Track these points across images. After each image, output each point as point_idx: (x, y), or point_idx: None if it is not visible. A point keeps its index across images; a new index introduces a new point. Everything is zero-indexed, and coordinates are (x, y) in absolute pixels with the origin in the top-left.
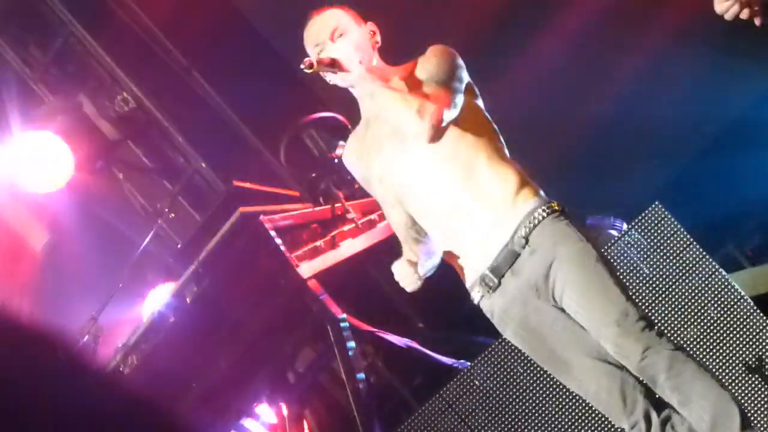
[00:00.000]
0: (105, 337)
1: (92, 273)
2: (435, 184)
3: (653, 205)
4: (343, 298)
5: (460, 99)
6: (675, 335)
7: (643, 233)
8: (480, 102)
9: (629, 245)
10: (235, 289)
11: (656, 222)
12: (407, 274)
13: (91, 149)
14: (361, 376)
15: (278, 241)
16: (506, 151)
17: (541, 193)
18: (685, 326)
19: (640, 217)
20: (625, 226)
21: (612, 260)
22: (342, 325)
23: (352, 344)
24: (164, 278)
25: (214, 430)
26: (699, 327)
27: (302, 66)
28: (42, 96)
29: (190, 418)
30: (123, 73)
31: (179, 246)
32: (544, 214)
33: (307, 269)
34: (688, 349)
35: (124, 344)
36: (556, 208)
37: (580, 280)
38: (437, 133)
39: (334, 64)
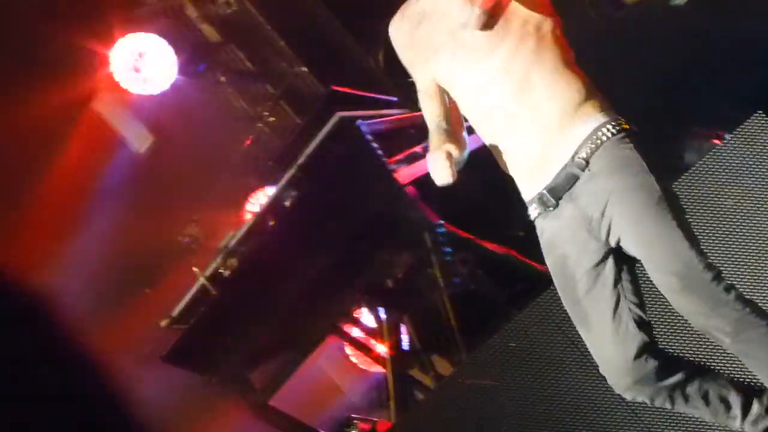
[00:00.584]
0: (206, 239)
1: (194, 175)
2: (489, 96)
3: (755, 114)
4: (441, 204)
5: None
6: None
7: (744, 143)
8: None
9: (730, 154)
10: (333, 194)
11: (758, 131)
12: (441, 167)
13: (193, 52)
14: (457, 281)
15: (375, 145)
16: (572, 55)
17: (612, 110)
18: None
19: (741, 127)
20: (727, 137)
21: (704, 176)
22: (439, 231)
23: (448, 250)
24: (264, 182)
25: (314, 334)
26: None
27: None
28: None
29: (289, 322)
30: None
31: (279, 149)
32: (609, 134)
33: (404, 175)
34: None
35: (224, 246)
36: (625, 126)
37: (637, 219)
38: (487, 21)
39: None
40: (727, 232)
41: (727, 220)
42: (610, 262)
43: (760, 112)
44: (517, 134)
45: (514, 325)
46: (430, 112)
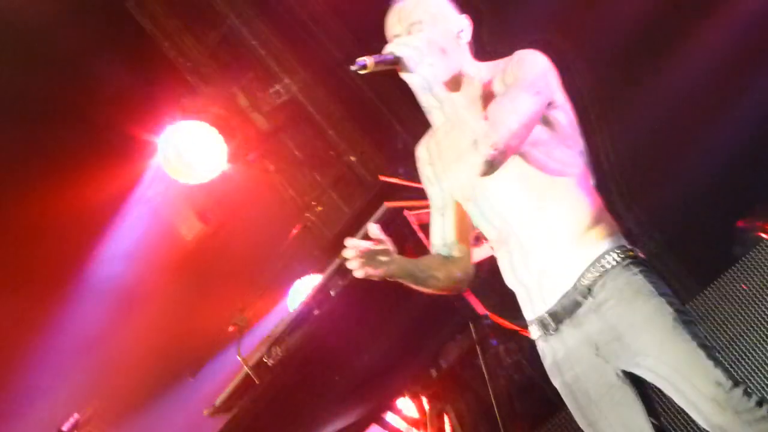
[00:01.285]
0: (251, 327)
1: (241, 263)
2: (503, 208)
3: None
4: (486, 295)
5: (530, 123)
6: None
7: None
8: (569, 117)
9: None
10: (380, 284)
11: None
12: (360, 266)
13: (243, 141)
14: (503, 373)
15: (422, 236)
16: (590, 181)
17: (618, 235)
18: None
19: None
20: None
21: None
22: (485, 322)
23: (494, 342)
24: (311, 270)
25: (356, 423)
26: None
27: (353, 67)
28: (196, 86)
29: (333, 412)
30: (277, 65)
31: (326, 238)
32: (614, 262)
33: None
34: None
35: (269, 335)
36: (630, 253)
37: (655, 346)
38: (492, 167)
39: (397, 63)
40: None
41: None
42: (624, 382)
43: None
44: (524, 252)
45: (560, 419)
46: (435, 227)
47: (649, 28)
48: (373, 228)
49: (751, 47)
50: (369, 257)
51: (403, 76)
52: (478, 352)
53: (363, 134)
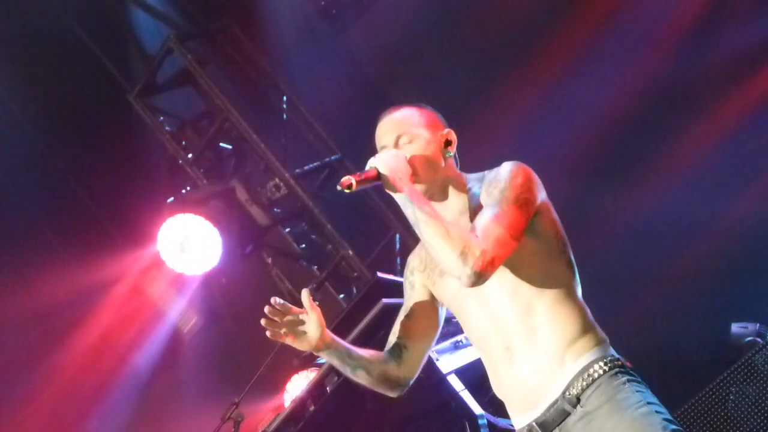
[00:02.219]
0: (246, 422)
1: (236, 356)
2: (489, 318)
3: None
4: (482, 394)
5: (517, 234)
6: None
7: None
8: (555, 227)
9: None
10: None
11: None
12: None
13: (241, 233)
14: None
15: None
16: (578, 290)
17: (605, 345)
18: None
19: None
20: None
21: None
22: (480, 422)
23: None
24: (306, 366)
25: None
26: None
27: (339, 187)
28: (195, 179)
29: None
30: (276, 159)
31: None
32: (601, 371)
33: (446, 364)
34: None
35: (264, 431)
36: (618, 363)
37: None
38: (479, 280)
39: (379, 179)
40: None
41: None
42: None
43: None
44: (512, 363)
45: None
46: (397, 328)
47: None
48: (305, 294)
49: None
50: (291, 324)
51: (387, 191)
52: None
53: (360, 228)
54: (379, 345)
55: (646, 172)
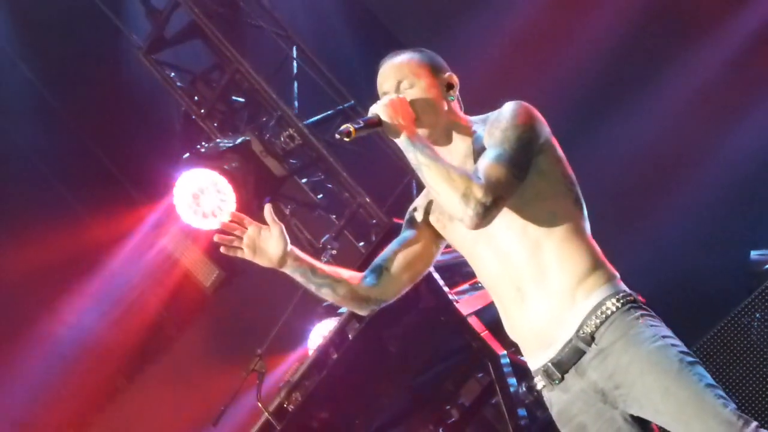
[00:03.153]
0: (271, 373)
1: (259, 309)
2: (499, 260)
3: None
4: (504, 334)
5: (519, 174)
6: None
7: None
8: (561, 165)
9: None
10: (397, 326)
11: None
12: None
13: (258, 185)
14: (523, 412)
15: (437, 276)
16: (586, 227)
17: (616, 281)
18: None
19: None
20: None
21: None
22: (503, 361)
23: (513, 381)
24: (328, 314)
25: None
26: None
27: (337, 135)
28: (209, 132)
29: None
30: (289, 109)
31: None
32: (614, 308)
33: (466, 306)
34: None
35: (288, 381)
36: (630, 298)
37: (662, 389)
38: (482, 221)
39: (380, 125)
40: None
41: None
42: (633, 426)
43: None
44: (524, 304)
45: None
46: (385, 252)
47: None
48: (267, 209)
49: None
50: (251, 238)
51: (390, 137)
52: (497, 391)
53: (376, 174)
54: None
55: (658, 100)
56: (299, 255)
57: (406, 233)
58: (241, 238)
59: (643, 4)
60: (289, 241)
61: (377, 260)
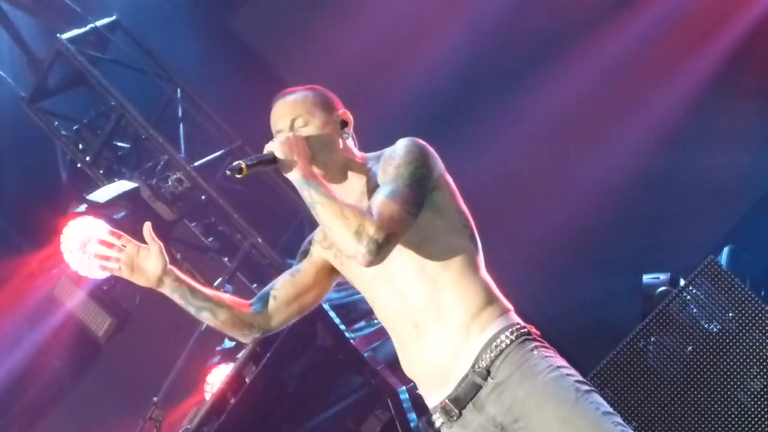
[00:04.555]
0: (167, 421)
1: (154, 356)
2: (397, 297)
3: (707, 260)
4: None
5: (413, 211)
6: (740, 389)
7: (699, 289)
8: (455, 201)
9: (686, 301)
10: (294, 366)
11: (712, 277)
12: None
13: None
14: None
15: (333, 315)
16: (481, 261)
17: (510, 314)
18: (750, 380)
19: (694, 273)
20: (682, 283)
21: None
22: (402, 397)
23: (413, 416)
24: (225, 359)
25: None
26: (763, 379)
27: (228, 171)
28: (96, 180)
29: None
30: (176, 153)
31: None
32: (508, 341)
33: (363, 343)
34: (752, 404)
35: (186, 428)
36: (524, 331)
37: (560, 419)
38: (375, 258)
39: (274, 163)
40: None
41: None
42: None
43: (711, 257)
44: (421, 341)
45: None
46: (275, 282)
47: None
48: (146, 227)
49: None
50: (128, 257)
51: (285, 174)
52: (398, 426)
53: (267, 215)
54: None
55: (545, 128)
56: (178, 275)
57: (300, 265)
58: (118, 258)
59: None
60: (168, 260)
61: (266, 288)
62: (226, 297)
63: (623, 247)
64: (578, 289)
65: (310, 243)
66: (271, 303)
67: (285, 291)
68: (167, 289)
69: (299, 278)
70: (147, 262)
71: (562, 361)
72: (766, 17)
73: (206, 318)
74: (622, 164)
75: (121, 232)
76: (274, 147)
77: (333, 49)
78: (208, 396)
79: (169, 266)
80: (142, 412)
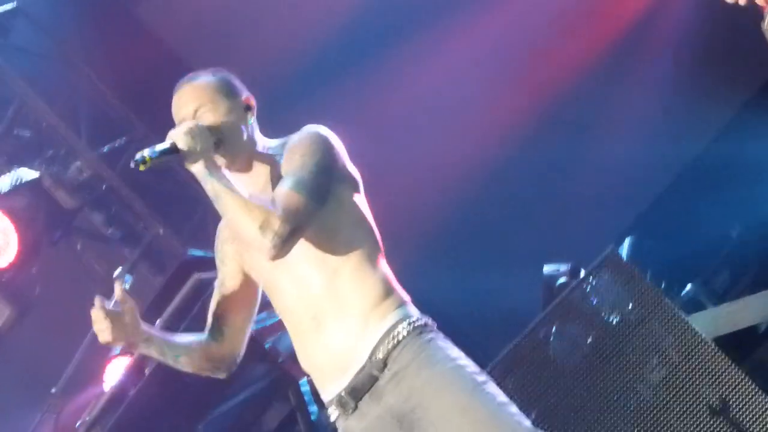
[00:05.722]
0: (65, 412)
1: (54, 347)
2: (296, 288)
3: (608, 251)
4: None
5: (318, 202)
6: (639, 381)
7: (599, 279)
8: (358, 194)
9: (587, 292)
10: None
11: (612, 267)
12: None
13: (49, 220)
14: None
15: None
16: (380, 254)
17: (407, 306)
18: (649, 371)
19: (594, 264)
20: (582, 273)
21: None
22: (303, 389)
23: (314, 408)
24: (123, 351)
25: None
26: (662, 371)
27: (132, 164)
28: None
29: None
30: (78, 140)
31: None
32: (405, 332)
33: (264, 334)
34: (651, 395)
35: (85, 420)
36: (420, 322)
37: (459, 409)
38: (281, 252)
39: (176, 152)
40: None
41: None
42: None
43: (612, 246)
44: (319, 333)
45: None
46: (213, 306)
47: None
48: (117, 287)
49: None
50: (115, 321)
51: (186, 165)
52: (298, 419)
53: (171, 204)
54: (197, 320)
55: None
56: (151, 331)
57: (221, 275)
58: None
59: None
60: (139, 318)
61: (209, 318)
62: (190, 336)
63: (525, 237)
64: (479, 279)
65: (221, 244)
66: (223, 329)
67: (225, 311)
68: (143, 347)
69: (227, 291)
70: (122, 321)
71: (458, 353)
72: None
73: (184, 362)
74: (525, 152)
75: (103, 302)
76: (176, 137)
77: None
78: (107, 388)
79: (141, 324)
80: (40, 405)
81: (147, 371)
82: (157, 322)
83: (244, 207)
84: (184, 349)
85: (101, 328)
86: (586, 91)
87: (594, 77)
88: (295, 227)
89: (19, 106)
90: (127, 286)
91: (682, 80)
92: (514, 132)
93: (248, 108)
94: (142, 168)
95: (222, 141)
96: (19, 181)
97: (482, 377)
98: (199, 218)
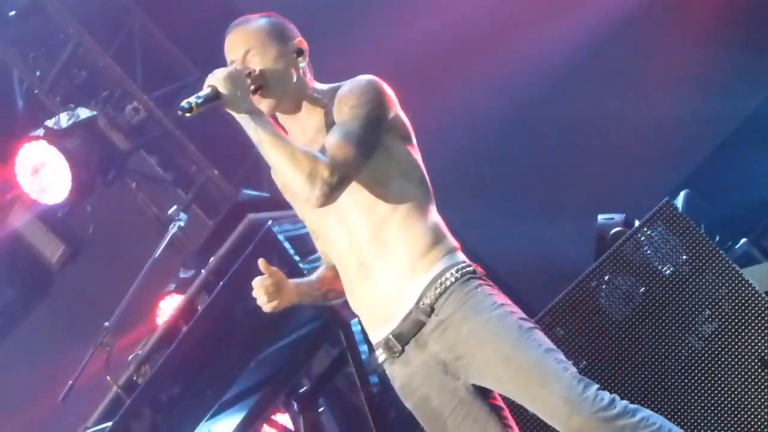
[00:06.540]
0: (118, 347)
1: (107, 283)
2: (346, 235)
3: (663, 202)
4: None
5: (366, 154)
6: (691, 332)
7: (654, 230)
8: (408, 144)
9: (640, 243)
10: (247, 299)
11: (667, 219)
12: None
13: (103, 161)
14: (375, 379)
15: (288, 246)
16: (430, 204)
17: (456, 253)
18: (701, 323)
19: (649, 215)
20: (636, 224)
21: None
22: (354, 329)
23: (364, 348)
24: (177, 290)
25: None
26: (714, 323)
27: (179, 112)
28: (52, 107)
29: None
30: (133, 82)
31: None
32: (453, 279)
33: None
34: (703, 347)
35: (137, 354)
36: (468, 269)
37: (503, 357)
38: (327, 201)
39: (217, 98)
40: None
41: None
42: (476, 396)
43: (667, 199)
44: (367, 279)
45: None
46: (320, 250)
47: None
48: (261, 262)
49: None
50: (270, 291)
51: (228, 111)
52: (349, 359)
53: (224, 147)
54: (250, 259)
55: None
56: (298, 285)
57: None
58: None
59: None
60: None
61: (325, 259)
62: (320, 274)
63: (579, 190)
64: (532, 229)
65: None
66: (331, 260)
67: (321, 246)
68: (300, 301)
69: (313, 229)
70: (278, 287)
71: (505, 299)
72: None
73: (333, 298)
74: (582, 105)
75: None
76: (215, 81)
77: None
78: (160, 323)
79: (290, 282)
80: (93, 339)
81: (200, 308)
82: (211, 260)
83: (290, 156)
84: (326, 286)
85: (264, 300)
86: (644, 44)
87: (650, 30)
88: (343, 177)
89: (76, 47)
90: (182, 224)
91: (738, 34)
92: (572, 85)
93: (300, 52)
94: (188, 115)
95: (264, 86)
96: (76, 118)
97: (529, 323)
98: (253, 161)
